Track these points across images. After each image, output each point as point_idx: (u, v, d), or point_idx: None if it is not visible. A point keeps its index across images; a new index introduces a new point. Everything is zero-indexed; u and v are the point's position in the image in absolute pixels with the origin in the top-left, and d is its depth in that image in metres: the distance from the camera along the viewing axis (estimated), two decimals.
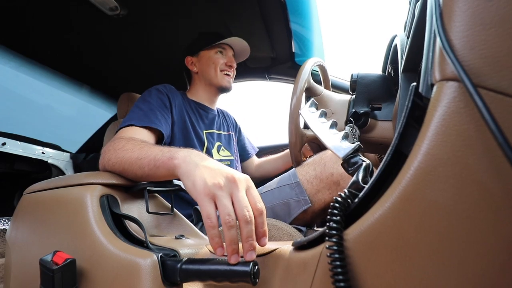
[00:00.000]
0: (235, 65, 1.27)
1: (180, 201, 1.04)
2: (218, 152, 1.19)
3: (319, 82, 1.17)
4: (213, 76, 1.22)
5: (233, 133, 1.37)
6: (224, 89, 1.26)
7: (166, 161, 0.59)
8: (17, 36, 1.32)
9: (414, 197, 0.26)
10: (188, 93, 1.28)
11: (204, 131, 1.18)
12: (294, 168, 0.94)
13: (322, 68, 1.11)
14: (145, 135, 0.91)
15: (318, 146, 1.08)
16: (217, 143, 1.21)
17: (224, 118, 1.38)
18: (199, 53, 1.25)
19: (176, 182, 0.69)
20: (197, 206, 1.01)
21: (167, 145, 1.00)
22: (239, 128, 1.47)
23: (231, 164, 1.22)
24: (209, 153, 1.14)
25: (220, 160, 1.16)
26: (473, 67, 0.24)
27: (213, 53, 1.23)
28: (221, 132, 1.28)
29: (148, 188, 0.67)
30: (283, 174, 0.96)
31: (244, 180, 0.50)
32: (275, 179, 0.97)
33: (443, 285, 0.25)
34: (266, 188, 0.96)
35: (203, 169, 0.51)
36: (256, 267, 0.42)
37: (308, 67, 0.92)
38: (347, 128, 0.82)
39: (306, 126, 0.97)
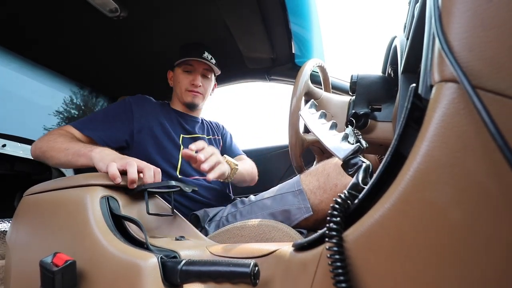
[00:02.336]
0: (199, 83, 1.26)
1: (180, 206, 1.06)
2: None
3: (319, 83, 1.17)
4: (179, 93, 1.28)
5: (219, 137, 1.39)
6: (189, 105, 1.28)
7: (87, 152, 0.83)
8: (18, 38, 1.33)
9: (413, 199, 0.26)
10: (171, 103, 1.34)
11: (182, 136, 1.20)
12: (298, 176, 0.94)
13: (322, 69, 1.11)
14: (79, 136, 1.02)
15: (320, 149, 1.08)
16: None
17: (210, 125, 1.41)
18: (174, 69, 1.31)
19: (174, 183, 0.69)
20: (194, 212, 1.02)
21: (127, 149, 1.12)
22: (230, 135, 1.48)
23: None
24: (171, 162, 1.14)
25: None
26: (472, 69, 0.24)
27: (180, 71, 1.27)
28: (204, 136, 1.30)
29: (149, 189, 0.67)
30: (287, 181, 0.96)
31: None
32: (278, 186, 0.97)
33: (442, 286, 0.25)
34: (268, 194, 0.96)
35: (111, 156, 0.78)
36: (256, 268, 0.42)
37: (308, 68, 0.92)
38: (348, 130, 0.82)
39: (306, 129, 0.97)
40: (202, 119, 1.38)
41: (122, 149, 1.10)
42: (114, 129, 1.09)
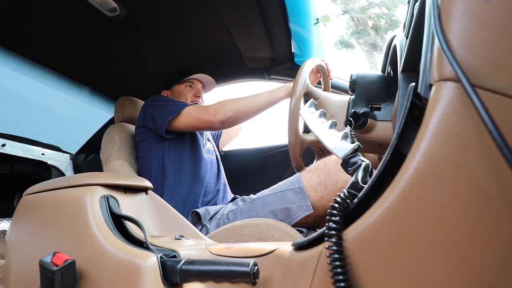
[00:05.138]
0: (202, 95, 1.53)
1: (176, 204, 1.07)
2: (205, 144, 1.41)
3: (318, 82, 1.18)
4: None
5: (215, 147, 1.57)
6: None
7: (278, 93, 1.16)
8: (17, 37, 1.32)
9: (412, 198, 0.26)
10: None
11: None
12: (298, 173, 0.94)
13: (322, 69, 1.11)
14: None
15: (319, 149, 1.08)
16: (206, 136, 1.47)
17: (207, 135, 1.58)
18: (172, 88, 1.50)
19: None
20: (195, 209, 1.02)
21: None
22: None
23: (216, 159, 1.42)
24: (202, 143, 1.36)
25: (208, 151, 1.39)
26: (471, 68, 0.24)
27: (183, 87, 1.48)
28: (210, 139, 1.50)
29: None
30: (287, 179, 0.96)
31: None
32: (279, 183, 0.97)
33: (441, 285, 0.25)
34: (268, 192, 0.96)
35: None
36: (256, 267, 0.42)
37: (307, 67, 0.92)
38: (346, 130, 0.82)
39: (306, 130, 0.97)
40: None
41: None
42: None
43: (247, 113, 1.16)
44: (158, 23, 1.33)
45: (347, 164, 0.45)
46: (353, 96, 0.88)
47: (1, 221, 1.85)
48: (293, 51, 1.51)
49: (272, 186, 0.98)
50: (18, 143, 1.64)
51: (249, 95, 1.19)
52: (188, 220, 0.97)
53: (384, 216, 0.28)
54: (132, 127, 1.45)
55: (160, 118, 1.23)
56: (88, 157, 1.93)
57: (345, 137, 0.48)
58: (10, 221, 0.77)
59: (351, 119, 0.84)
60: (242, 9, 1.24)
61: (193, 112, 1.21)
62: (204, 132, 1.44)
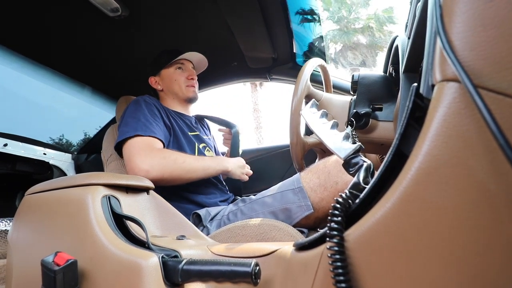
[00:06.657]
0: (195, 77, 1.36)
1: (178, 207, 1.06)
2: (203, 152, 1.26)
3: (320, 83, 1.17)
4: (178, 90, 1.31)
5: (211, 137, 1.44)
6: (191, 100, 1.35)
7: (216, 166, 1.09)
8: (19, 37, 1.33)
9: (414, 198, 0.26)
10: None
11: (189, 133, 1.25)
12: (298, 174, 0.94)
13: (324, 69, 1.11)
14: (158, 144, 1.06)
15: (322, 149, 1.08)
16: (202, 144, 1.27)
17: (202, 123, 1.44)
18: (160, 72, 1.33)
19: None
20: (196, 211, 1.02)
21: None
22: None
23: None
24: (201, 152, 1.22)
25: None
26: (473, 68, 0.24)
27: (173, 70, 1.31)
28: (203, 135, 1.34)
29: None
30: (287, 179, 0.96)
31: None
32: (279, 184, 0.97)
33: (443, 286, 0.25)
34: (268, 192, 0.96)
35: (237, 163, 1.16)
36: (257, 268, 0.42)
37: (309, 68, 0.92)
38: (347, 130, 0.82)
39: (308, 131, 0.97)
40: (194, 117, 1.40)
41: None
42: (162, 127, 1.14)
43: (185, 178, 1.01)
44: (159, 23, 1.33)
45: (349, 164, 0.45)
46: (355, 97, 0.88)
47: (3, 221, 1.85)
48: (294, 51, 1.51)
49: (272, 187, 0.98)
50: (20, 143, 1.65)
51: (194, 158, 1.06)
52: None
53: (386, 216, 0.28)
54: None
55: (118, 136, 1.07)
56: (90, 157, 1.94)
57: (346, 137, 0.48)
58: (12, 220, 0.77)
59: (353, 120, 0.84)
60: (243, 9, 1.24)
61: (132, 150, 1.00)
62: (198, 141, 1.26)
